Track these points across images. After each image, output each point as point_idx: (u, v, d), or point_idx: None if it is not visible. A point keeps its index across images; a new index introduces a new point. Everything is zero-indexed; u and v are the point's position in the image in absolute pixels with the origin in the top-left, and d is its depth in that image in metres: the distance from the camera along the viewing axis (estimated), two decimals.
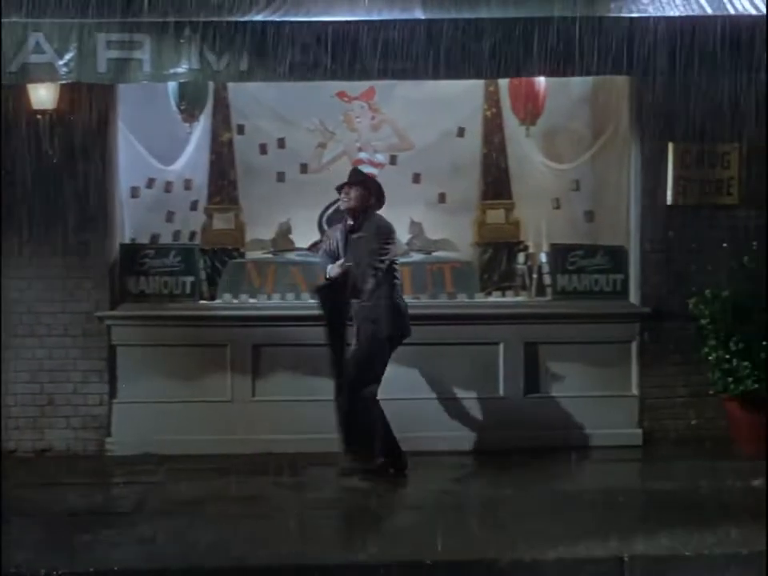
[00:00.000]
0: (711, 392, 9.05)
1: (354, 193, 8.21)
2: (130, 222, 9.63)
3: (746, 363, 8.68)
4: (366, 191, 8.24)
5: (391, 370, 9.11)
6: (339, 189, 8.31)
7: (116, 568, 6.35)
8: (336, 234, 8.46)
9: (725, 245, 9.26)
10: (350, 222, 8.27)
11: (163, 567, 6.41)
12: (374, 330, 8.16)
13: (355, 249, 8.18)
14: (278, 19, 7.98)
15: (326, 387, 9.09)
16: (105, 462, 8.95)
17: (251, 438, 9.05)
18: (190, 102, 9.84)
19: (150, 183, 9.88)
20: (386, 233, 8.22)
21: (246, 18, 7.98)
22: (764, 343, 8.66)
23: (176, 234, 9.94)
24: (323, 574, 6.37)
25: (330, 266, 8.30)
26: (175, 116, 9.84)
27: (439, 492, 7.93)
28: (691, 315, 8.94)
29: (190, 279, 9.30)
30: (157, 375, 9.13)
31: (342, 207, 8.33)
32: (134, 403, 9.12)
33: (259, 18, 8.01)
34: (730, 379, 8.76)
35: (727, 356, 8.75)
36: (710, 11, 8.20)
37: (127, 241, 9.48)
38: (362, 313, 8.18)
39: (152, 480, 8.36)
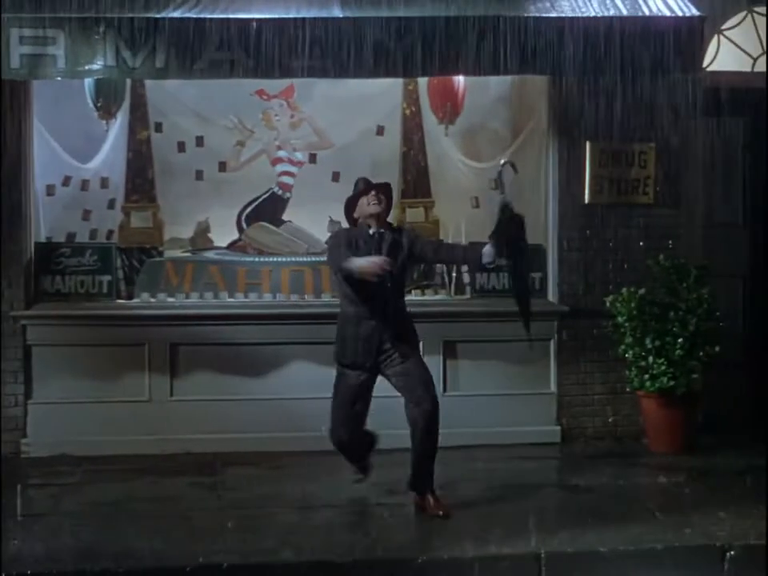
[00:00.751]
0: (628, 389, 9.16)
1: (384, 197, 7.48)
2: (46, 221, 9.49)
3: (661, 361, 8.77)
4: (391, 197, 7.67)
5: (310, 369, 9.17)
6: (365, 191, 7.43)
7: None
8: (350, 236, 7.47)
9: (641, 243, 9.38)
10: (375, 227, 7.41)
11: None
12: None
13: (394, 253, 7.34)
14: (194, 16, 7.93)
15: (244, 386, 9.11)
16: (20, 463, 8.82)
17: (169, 438, 8.99)
18: (106, 99, 9.69)
19: (66, 181, 9.72)
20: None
21: (162, 15, 7.92)
22: (679, 341, 8.77)
23: (93, 233, 9.79)
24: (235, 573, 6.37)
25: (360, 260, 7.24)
26: (92, 113, 9.69)
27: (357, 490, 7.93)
28: (608, 313, 9.01)
29: (106, 278, 9.22)
30: (73, 375, 9.03)
31: (371, 211, 7.38)
32: (49, 404, 9.01)
33: (176, 14, 7.95)
34: (646, 376, 8.85)
35: (643, 354, 8.84)
36: (625, 12, 8.29)
37: (43, 239, 9.35)
38: (405, 317, 7.61)
39: (68, 481, 8.25)
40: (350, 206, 7.51)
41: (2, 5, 7.81)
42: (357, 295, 7.36)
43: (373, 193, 7.42)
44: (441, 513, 7.27)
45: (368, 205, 7.41)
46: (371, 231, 7.41)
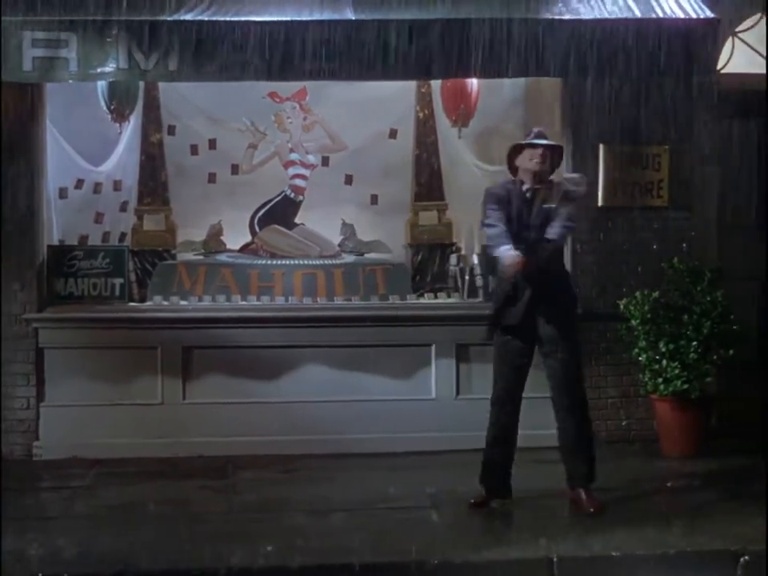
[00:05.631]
0: (641, 393, 9.12)
1: (549, 158, 7.38)
2: (58, 224, 9.52)
3: (675, 364, 8.73)
4: (560, 160, 7.63)
5: (323, 372, 9.17)
6: (534, 146, 7.33)
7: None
8: (503, 192, 7.38)
9: (655, 246, 9.34)
10: (530, 184, 7.34)
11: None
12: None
13: (544, 212, 7.30)
14: (207, 18, 7.93)
15: (256, 389, 9.11)
16: (32, 466, 8.82)
17: (181, 441, 8.99)
18: (120, 102, 9.68)
19: (79, 184, 9.75)
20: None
21: (174, 17, 7.92)
22: (693, 344, 8.73)
23: (105, 236, 9.80)
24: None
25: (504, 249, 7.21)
26: (105, 116, 9.68)
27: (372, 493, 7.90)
28: (622, 316, 8.97)
29: (119, 281, 9.23)
30: (85, 378, 9.04)
31: (530, 167, 7.30)
32: (62, 407, 9.01)
33: (188, 17, 7.95)
34: (660, 380, 8.81)
35: (657, 357, 8.81)
36: (638, 14, 8.27)
37: (55, 242, 9.37)
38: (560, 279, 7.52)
39: (80, 484, 8.25)
40: (515, 152, 7.43)
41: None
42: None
43: (540, 151, 7.33)
44: (591, 510, 7.30)
45: (530, 160, 7.34)
46: (525, 188, 7.34)
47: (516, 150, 7.46)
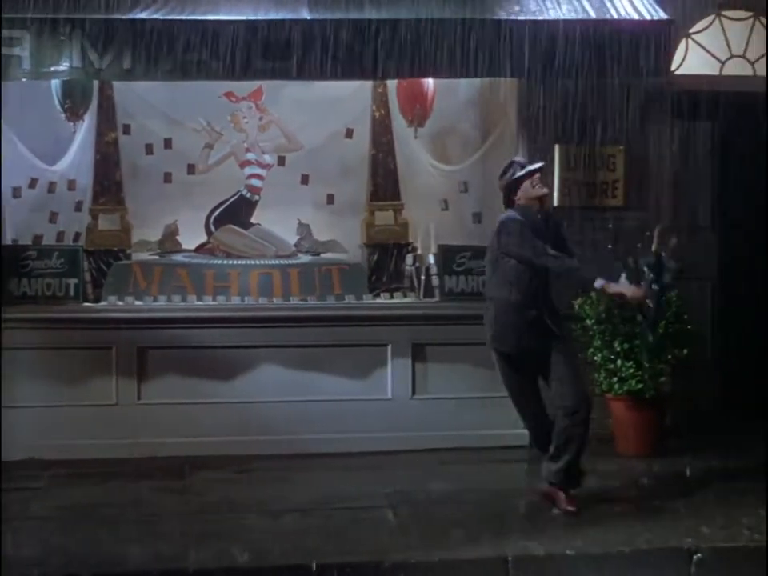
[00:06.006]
0: (596, 392, 9.15)
1: (543, 180, 7.64)
2: (12, 223, 9.45)
3: (629, 364, 8.79)
4: None
5: (279, 373, 9.15)
6: (530, 174, 7.50)
7: None
8: (526, 221, 7.41)
9: (610, 246, 9.38)
10: (540, 210, 7.56)
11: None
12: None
13: (559, 237, 7.59)
14: (162, 17, 7.91)
15: (212, 390, 9.08)
16: None
17: (137, 442, 8.92)
18: (74, 101, 9.60)
19: (33, 183, 9.67)
20: None
21: (129, 16, 7.89)
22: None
23: (60, 235, 9.73)
24: None
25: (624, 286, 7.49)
26: (58, 115, 9.61)
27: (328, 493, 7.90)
28: (577, 316, 9.01)
29: (73, 281, 9.15)
30: (40, 379, 8.95)
31: (539, 194, 7.50)
32: (16, 408, 8.91)
33: (143, 15, 7.92)
34: (615, 379, 8.86)
35: (612, 356, 8.86)
36: (593, 15, 8.31)
37: (9, 242, 9.30)
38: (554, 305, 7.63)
39: (36, 486, 8.18)
40: (512, 187, 7.51)
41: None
42: (524, 284, 7.37)
43: (538, 176, 7.49)
44: (569, 508, 7.33)
45: (533, 188, 7.46)
46: (539, 216, 7.47)
47: (514, 186, 7.50)
